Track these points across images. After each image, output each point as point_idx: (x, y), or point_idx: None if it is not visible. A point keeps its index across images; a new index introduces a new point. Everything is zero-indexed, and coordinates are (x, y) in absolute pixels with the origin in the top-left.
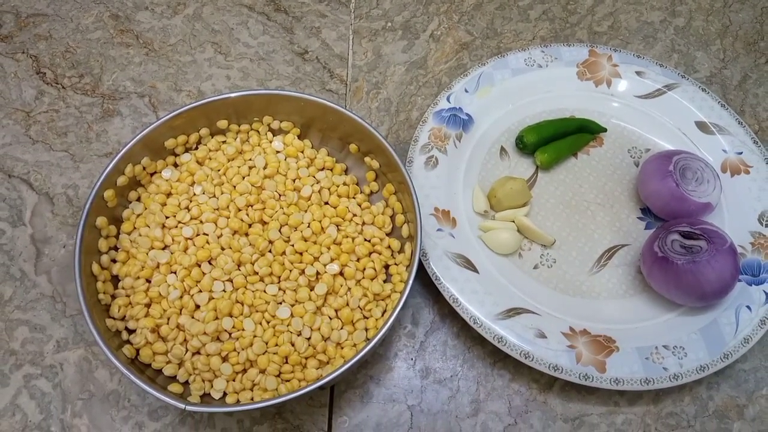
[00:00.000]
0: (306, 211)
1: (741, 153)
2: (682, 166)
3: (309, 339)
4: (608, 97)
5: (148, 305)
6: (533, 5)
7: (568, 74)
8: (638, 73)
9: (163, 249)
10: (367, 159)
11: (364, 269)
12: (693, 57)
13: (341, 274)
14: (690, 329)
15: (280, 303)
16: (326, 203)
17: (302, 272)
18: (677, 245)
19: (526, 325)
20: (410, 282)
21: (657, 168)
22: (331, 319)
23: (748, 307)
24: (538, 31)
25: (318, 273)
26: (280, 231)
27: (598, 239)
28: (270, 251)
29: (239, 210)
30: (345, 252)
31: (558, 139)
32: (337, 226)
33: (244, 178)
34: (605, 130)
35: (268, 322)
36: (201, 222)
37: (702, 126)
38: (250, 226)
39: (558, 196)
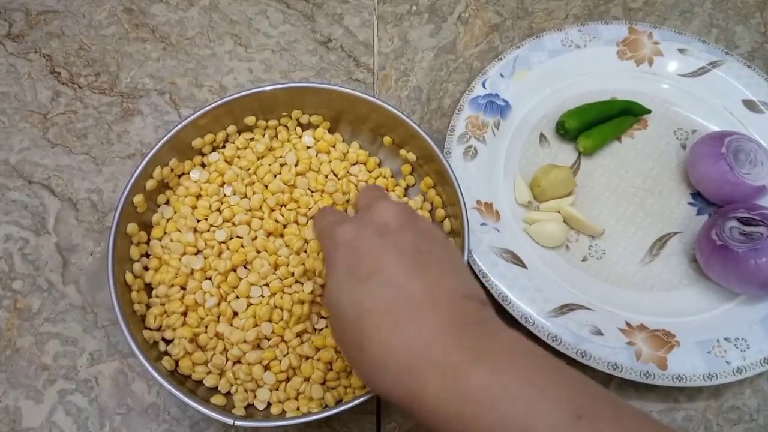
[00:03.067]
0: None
1: None
2: (734, 147)
3: None
4: (650, 76)
5: (184, 314)
6: None
7: (607, 54)
8: (680, 50)
9: (196, 254)
10: (402, 151)
11: None
12: (733, 32)
13: None
14: (751, 319)
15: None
16: None
17: None
18: (736, 232)
19: (581, 322)
20: None
21: (708, 151)
22: None
23: None
24: (571, 9)
25: None
26: None
27: (648, 227)
28: (305, 251)
29: (272, 210)
30: None
31: (600, 123)
32: None
33: (275, 176)
34: (649, 111)
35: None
36: (234, 224)
37: (750, 104)
38: (285, 226)
39: (603, 183)
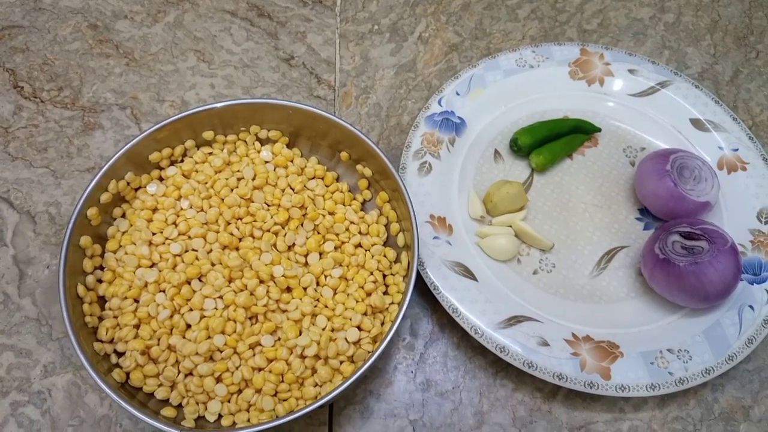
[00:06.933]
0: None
1: (737, 150)
2: (679, 165)
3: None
4: (601, 96)
5: (137, 326)
6: (521, 4)
7: (560, 74)
8: (631, 71)
9: (151, 267)
10: (359, 167)
11: (365, 282)
12: (684, 53)
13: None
14: (694, 331)
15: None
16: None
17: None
18: (678, 246)
19: (528, 334)
20: (409, 294)
21: (654, 168)
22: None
23: (751, 306)
24: (528, 30)
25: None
26: (275, 246)
27: (597, 241)
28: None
29: (228, 224)
30: (344, 266)
31: (552, 141)
32: (336, 234)
33: (232, 190)
34: (599, 129)
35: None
36: (189, 237)
37: (697, 123)
38: (240, 240)
39: (554, 198)
